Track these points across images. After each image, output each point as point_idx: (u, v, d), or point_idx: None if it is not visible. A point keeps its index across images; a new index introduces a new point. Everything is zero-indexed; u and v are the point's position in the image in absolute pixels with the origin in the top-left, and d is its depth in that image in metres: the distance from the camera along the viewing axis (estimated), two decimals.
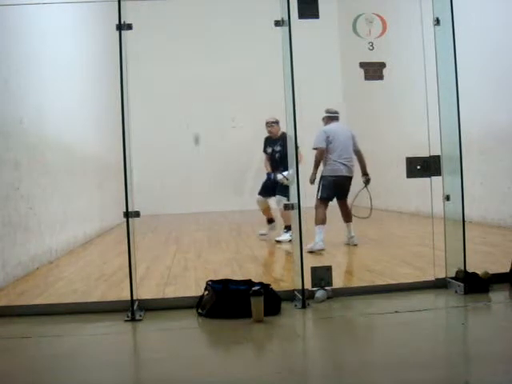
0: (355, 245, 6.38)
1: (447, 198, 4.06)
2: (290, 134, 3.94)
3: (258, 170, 12.80)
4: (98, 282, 4.79)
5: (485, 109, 7.47)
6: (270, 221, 7.55)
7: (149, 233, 8.77)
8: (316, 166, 6.32)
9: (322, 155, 6.29)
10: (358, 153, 6.46)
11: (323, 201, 6.30)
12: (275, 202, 7.19)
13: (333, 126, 6.43)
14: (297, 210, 3.86)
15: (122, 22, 3.72)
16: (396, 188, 8.57)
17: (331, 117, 6.50)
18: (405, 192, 9.48)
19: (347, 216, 6.48)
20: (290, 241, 6.11)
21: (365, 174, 6.44)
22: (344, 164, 6.32)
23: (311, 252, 5.74)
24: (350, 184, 6.43)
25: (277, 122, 7.26)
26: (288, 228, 6.86)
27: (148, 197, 11.23)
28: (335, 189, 6.32)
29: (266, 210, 7.49)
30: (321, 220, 6.16)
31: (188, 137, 12.92)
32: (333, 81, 13.51)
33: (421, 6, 4.34)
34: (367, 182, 6.38)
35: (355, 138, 6.51)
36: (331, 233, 7.36)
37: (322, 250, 5.93)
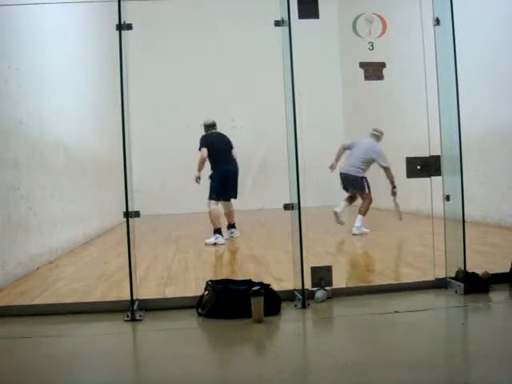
0: (353, 234, 7.25)
1: (447, 198, 4.06)
2: (290, 133, 3.93)
3: (258, 169, 12.85)
4: (98, 282, 4.79)
5: (485, 109, 7.47)
6: (233, 225, 7.54)
7: (149, 233, 8.77)
8: (336, 158, 7.79)
9: (340, 150, 7.80)
10: (384, 170, 7.49)
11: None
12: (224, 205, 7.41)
13: (365, 140, 7.69)
14: (296, 210, 3.86)
15: (122, 22, 3.72)
16: (396, 188, 8.56)
17: (373, 134, 7.70)
18: (405, 192, 9.48)
19: (360, 208, 7.51)
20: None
21: (393, 187, 7.50)
22: (348, 165, 7.57)
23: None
24: (351, 180, 7.59)
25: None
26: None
27: (148, 197, 11.23)
28: (342, 182, 7.73)
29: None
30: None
31: (188, 137, 12.92)
32: (333, 81, 13.52)
33: (421, 6, 4.33)
34: (394, 193, 7.49)
35: (380, 154, 7.48)
36: (331, 233, 7.37)
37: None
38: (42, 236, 5.81)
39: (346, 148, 7.77)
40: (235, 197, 7.40)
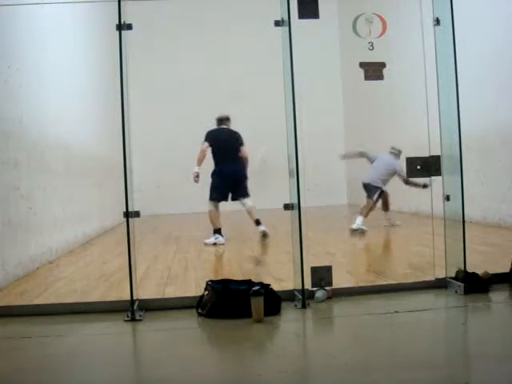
0: (353, 229, 7.54)
1: (447, 198, 4.06)
2: (290, 133, 3.93)
3: (259, 170, 12.84)
4: (98, 281, 4.79)
5: (485, 108, 7.47)
6: (258, 222, 7.27)
7: (149, 233, 8.76)
8: (351, 156, 9.22)
9: (358, 154, 8.68)
10: (407, 182, 7.66)
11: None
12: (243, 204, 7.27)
13: (385, 156, 8.12)
14: (296, 210, 3.86)
15: (122, 22, 3.72)
16: (396, 188, 8.58)
17: (391, 152, 8.14)
18: (405, 192, 9.49)
19: (362, 209, 7.89)
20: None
21: (423, 186, 7.46)
22: (371, 177, 8.07)
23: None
24: (368, 188, 8.06)
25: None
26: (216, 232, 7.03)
27: (148, 197, 11.23)
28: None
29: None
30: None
31: (188, 137, 12.92)
32: (333, 81, 13.51)
33: (421, 6, 4.34)
34: (426, 187, 7.30)
35: (402, 167, 7.46)
36: (331, 233, 7.36)
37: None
38: (42, 236, 5.81)
39: (366, 157, 8.34)
40: (244, 195, 7.20)
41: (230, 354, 3.04)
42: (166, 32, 12.77)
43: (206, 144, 7.03)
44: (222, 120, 7.24)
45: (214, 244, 6.89)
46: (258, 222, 7.18)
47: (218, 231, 7.00)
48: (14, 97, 5.17)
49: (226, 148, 7.10)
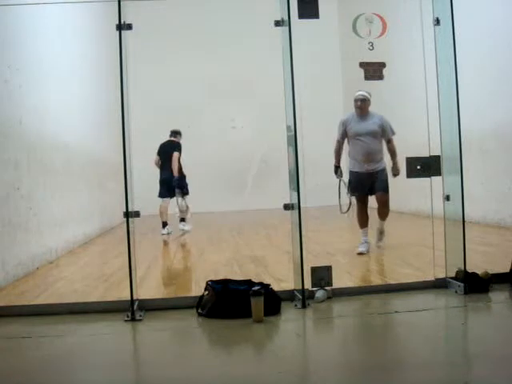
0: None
1: (447, 198, 4.06)
2: (290, 133, 3.94)
3: (259, 170, 12.85)
4: (98, 281, 4.79)
5: (485, 109, 7.47)
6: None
7: (149, 233, 8.76)
8: None
9: None
10: None
11: None
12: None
13: None
14: (296, 210, 3.86)
15: (122, 22, 3.72)
16: (396, 188, 8.58)
17: None
18: (405, 192, 9.49)
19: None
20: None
21: None
22: None
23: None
24: None
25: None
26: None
27: (148, 197, 11.21)
28: None
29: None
30: None
31: (188, 137, 12.93)
32: (333, 81, 13.52)
33: (421, 6, 4.34)
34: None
35: None
36: (331, 233, 7.36)
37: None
38: (41, 236, 5.81)
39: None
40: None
41: (230, 354, 3.04)
42: (166, 32, 12.76)
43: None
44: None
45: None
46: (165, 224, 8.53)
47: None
48: (14, 97, 5.17)
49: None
